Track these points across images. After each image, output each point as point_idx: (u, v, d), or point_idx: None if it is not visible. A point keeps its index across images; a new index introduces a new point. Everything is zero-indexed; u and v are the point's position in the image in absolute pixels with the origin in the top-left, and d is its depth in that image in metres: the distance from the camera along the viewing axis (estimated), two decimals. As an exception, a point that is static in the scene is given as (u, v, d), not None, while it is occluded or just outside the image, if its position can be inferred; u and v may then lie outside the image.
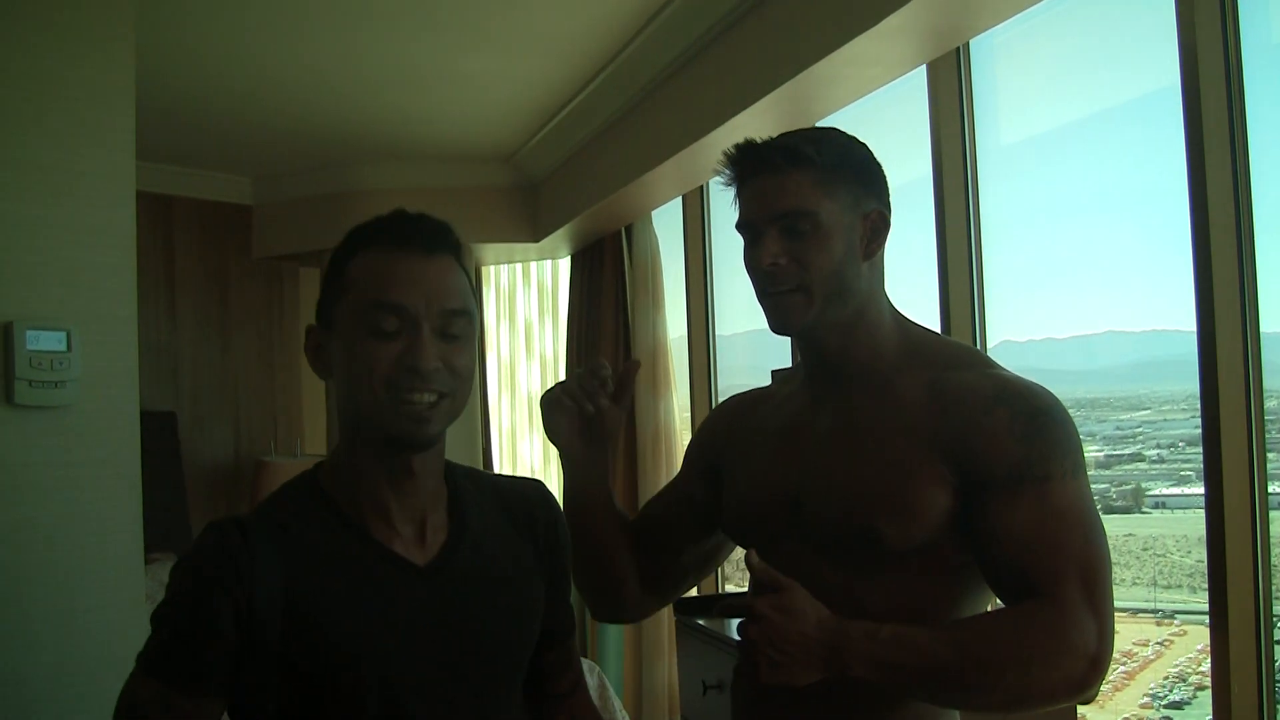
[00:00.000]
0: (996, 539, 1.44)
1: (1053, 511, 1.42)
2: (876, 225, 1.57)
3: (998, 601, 1.50)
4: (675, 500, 1.84)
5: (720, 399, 4.57)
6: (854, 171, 1.55)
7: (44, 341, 2.37)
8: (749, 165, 1.56)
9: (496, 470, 6.15)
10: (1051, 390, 1.52)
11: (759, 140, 1.57)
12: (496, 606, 1.43)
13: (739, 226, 1.59)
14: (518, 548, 1.49)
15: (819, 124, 3.55)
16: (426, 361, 1.31)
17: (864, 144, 1.61)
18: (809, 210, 1.51)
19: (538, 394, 6.24)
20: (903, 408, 1.53)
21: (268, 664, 1.29)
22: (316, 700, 1.31)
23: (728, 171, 1.60)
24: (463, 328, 1.36)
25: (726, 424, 1.81)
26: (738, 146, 1.58)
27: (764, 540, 1.63)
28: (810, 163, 1.51)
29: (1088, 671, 1.37)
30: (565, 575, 1.58)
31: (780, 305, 1.54)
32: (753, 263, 1.56)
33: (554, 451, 6.06)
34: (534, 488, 1.57)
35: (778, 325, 1.57)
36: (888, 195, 1.61)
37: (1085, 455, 1.50)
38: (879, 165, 1.60)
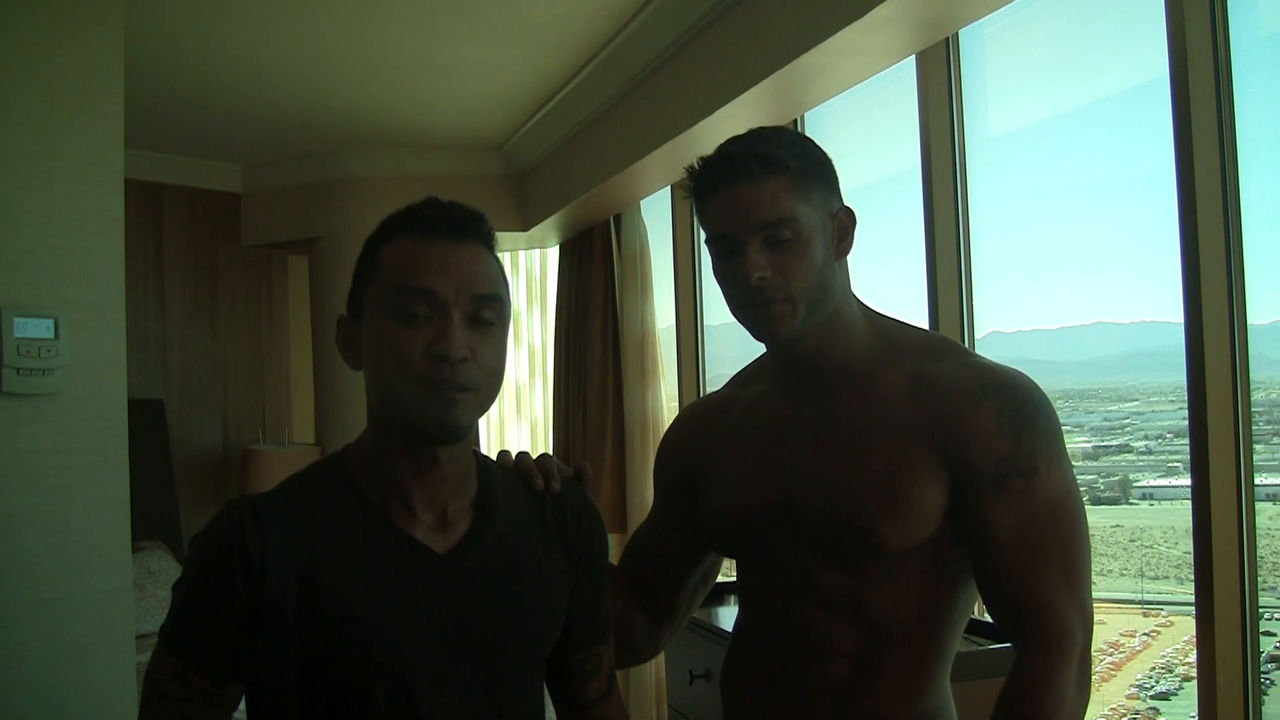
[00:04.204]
0: (988, 537, 1.45)
1: (1040, 507, 1.44)
2: (845, 224, 1.55)
3: None
4: (664, 529, 1.79)
5: (708, 388, 4.60)
6: (818, 172, 1.52)
7: (32, 329, 2.36)
8: (721, 175, 1.49)
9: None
10: (1040, 381, 1.52)
11: (724, 151, 1.52)
12: (514, 600, 1.42)
13: (712, 239, 1.52)
14: (544, 546, 1.48)
15: (807, 114, 3.56)
16: (455, 349, 1.28)
17: (815, 141, 1.58)
18: (790, 218, 1.46)
19: (525, 383, 6.26)
20: (888, 404, 1.52)
21: (283, 645, 1.30)
22: (330, 684, 1.32)
23: (695, 183, 1.53)
24: (494, 314, 1.35)
25: (694, 433, 1.76)
26: (706, 159, 1.52)
27: (757, 546, 1.62)
28: (785, 168, 1.47)
29: (1080, 677, 1.40)
30: (596, 580, 1.53)
31: (766, 316, 1.49)
32: (735, 276, 1.50)
33: (540, 440, 6.09)
34: (571, 489, 1.54)
35: (766, 336, 1.52)
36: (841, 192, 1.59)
37: (1072, 446, 1.51)
38: (832, 162, 1.57)
